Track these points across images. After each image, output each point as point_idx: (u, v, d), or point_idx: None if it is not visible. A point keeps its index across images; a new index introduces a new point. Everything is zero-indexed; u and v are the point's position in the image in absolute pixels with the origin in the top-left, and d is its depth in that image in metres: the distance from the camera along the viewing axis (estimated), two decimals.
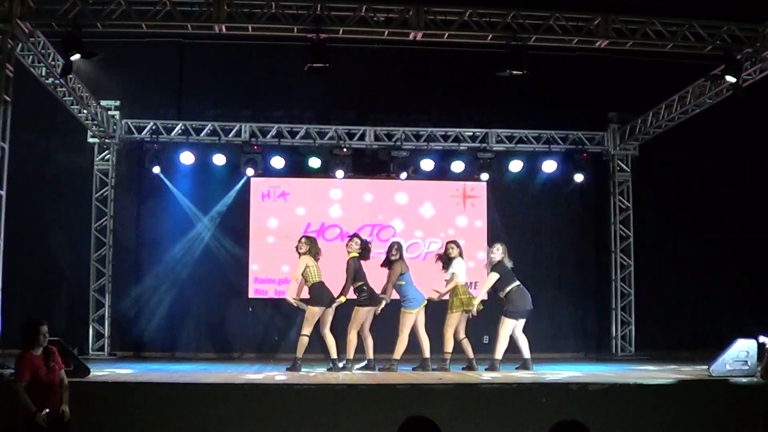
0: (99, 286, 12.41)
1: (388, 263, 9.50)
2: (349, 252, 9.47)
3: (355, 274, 9.31)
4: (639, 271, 13.26)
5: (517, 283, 9.54)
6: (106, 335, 12.28)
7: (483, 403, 7.07)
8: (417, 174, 12.96)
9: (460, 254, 9.61)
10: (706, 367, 8.23)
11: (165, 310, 12.83)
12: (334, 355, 9.29)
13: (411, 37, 9.63)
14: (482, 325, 10.64)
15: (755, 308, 12.60)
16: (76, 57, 9.00)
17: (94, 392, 6.95)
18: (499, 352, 9.44)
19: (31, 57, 9.75)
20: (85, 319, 12.25)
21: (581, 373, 9.11)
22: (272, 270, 12.96)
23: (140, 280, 12.89)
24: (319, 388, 7.28)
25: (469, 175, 13.17)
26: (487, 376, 8.56)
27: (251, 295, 12.94)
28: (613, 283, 13.31)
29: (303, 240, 9.49)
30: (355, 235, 10.01)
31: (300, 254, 9.32)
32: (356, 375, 8.81)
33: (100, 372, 8.37)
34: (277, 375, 8.63)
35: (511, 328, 9.46)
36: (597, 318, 13.32)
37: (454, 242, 9.79)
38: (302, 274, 9.24)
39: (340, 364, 9.23)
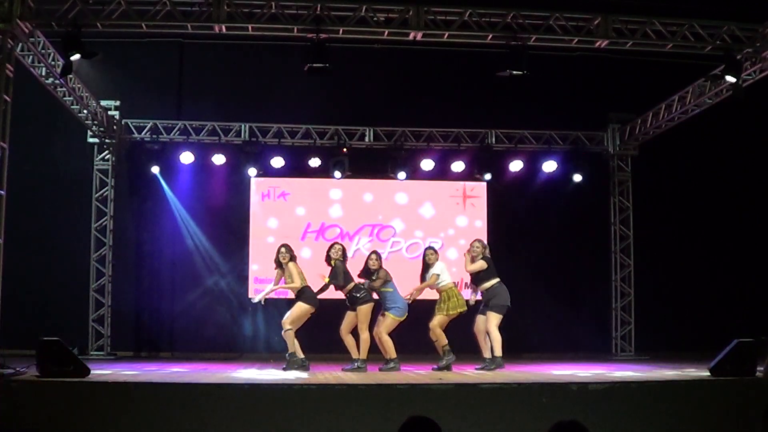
0: (99, 286, 12.41)
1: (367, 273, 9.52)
2: (332, 258, 9.46)
3: (344, 275, 9.36)
4: (639, 271, 13.27)
5: (498, 278, 9.59)
6: (106, 335, 12.28)
7: (483, 403, 7.06)
8: (416, 174, 12.98)
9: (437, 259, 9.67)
10: (706, 367, 8.22)
11: (165, 310, 12.85)
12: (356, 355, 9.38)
13: (411, 37, 9.63)
14: None
15: (755, 308, 12.62)
16: (76, 57, 9.00)
17: (94, 392, 6.94)
18: (499, 349, 9.42)
19: (31, 57, 9.75)
20: (85, 319, 12.26)
21: (581, 373, 9.11)
22: (272, 270, 12.85)
23: (140, 280, 12.91)
24: (319, 388, 7.27)
25: (469, 175, 13.19)
26: (488, 376, 8.56)
27: (251, 295, 12.91)
28: (613, 283, 13.32)
29: (283, 249, 9.48)
30: (334, 243, 9.84)
31: (286, 263, 9.37)
32: (353, 375, 8.77)
33: (100, 372, 8.37)
34: (277, 375, 8.62)
35: (498, 321, 9.41)
36: (597, 318, 13.31)
37: (432, 248, 9.83)
38: (291, 279, 9.30)
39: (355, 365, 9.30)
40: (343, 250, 9.55)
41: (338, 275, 9.35)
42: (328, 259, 9.52)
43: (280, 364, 9.64)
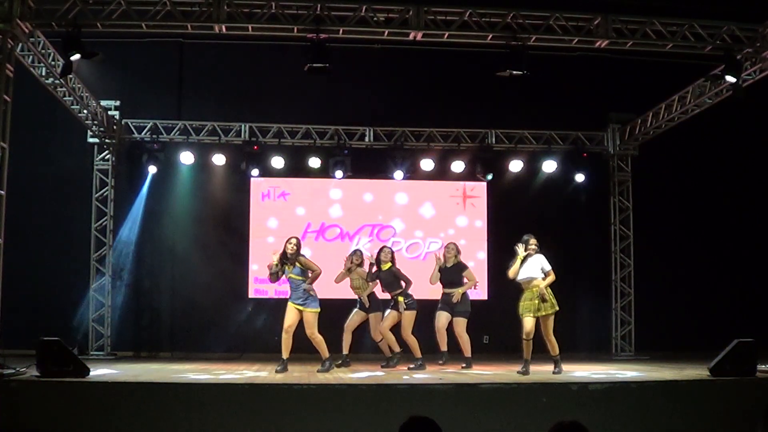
0: (99, 286, 12.41)
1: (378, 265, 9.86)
2: (382, 261, 9.82)
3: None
4: (639, 271, 13.25)
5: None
6: (106, 335, 12.28)
7: (483, 403, 7.07)
8: (416, 174, 12.99)
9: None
10: (706, 367, 8.22)
11: (165, 310, 12.85)
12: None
13: (411, 37, 9.62)
14: (484, 325, 10.66)
15: (755, 308, 12.62)
16: (76, 57, 8.99)
17: (94, 392, 6.95)
18: (469, 350, 9.95)
19: (31, 57, 9.75)
20: (85, 319, 12.27)
21: (581, 373, 9.11)
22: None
23: (140, 280, 12.90)
24: (319, 388, 7.27)
25: (469, 175, 13.18)
26: (488, 376, 8.56)
27: (251, 295, 12.94)
28: (613, 283, 13.31)
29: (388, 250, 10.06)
30: (383, 247, 10.26)
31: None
32: (354, 376, 8.78)
33: (100, 372, 8.37)
34: (279, 375, 8.62)
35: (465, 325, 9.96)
36: (597, 318, 13.30)
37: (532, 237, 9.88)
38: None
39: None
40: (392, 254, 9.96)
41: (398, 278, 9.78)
42: (378, 262, 9.82)
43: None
